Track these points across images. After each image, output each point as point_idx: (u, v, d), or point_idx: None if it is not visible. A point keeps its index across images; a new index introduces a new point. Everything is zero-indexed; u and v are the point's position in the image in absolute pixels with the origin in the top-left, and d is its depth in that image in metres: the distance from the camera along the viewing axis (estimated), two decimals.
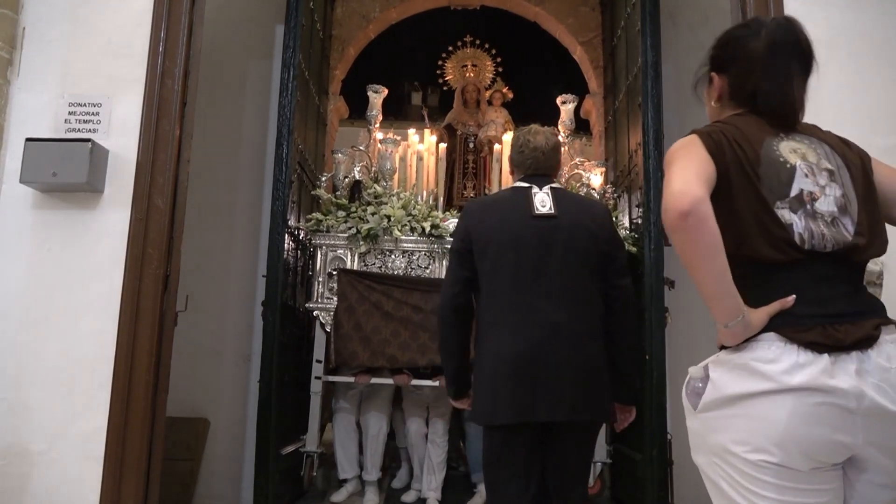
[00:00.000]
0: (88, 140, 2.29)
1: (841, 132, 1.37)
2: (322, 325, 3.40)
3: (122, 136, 2.40)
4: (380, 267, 3.47)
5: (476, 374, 1.99)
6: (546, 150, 2.11)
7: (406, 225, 3.46)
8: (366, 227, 3.40)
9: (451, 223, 3.42)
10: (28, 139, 2.29)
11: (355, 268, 3.44)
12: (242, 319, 3.68)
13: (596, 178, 3.91)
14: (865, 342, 1.12)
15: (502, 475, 1.93)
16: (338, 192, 3.68)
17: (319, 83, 4.20)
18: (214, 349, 3.65)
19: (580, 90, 4.63)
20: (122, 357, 2.27)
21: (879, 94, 2.43)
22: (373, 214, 3.45)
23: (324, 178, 3.87)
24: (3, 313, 2.30)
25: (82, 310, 2.31)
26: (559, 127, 4.04)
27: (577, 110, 4.30)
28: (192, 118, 2.52)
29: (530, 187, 2.06)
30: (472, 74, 5.12)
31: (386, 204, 3.52)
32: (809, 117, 1.40)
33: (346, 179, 3.74)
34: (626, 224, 3.61)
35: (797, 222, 1.20)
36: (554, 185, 2.09)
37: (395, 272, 3.45)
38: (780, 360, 1.12)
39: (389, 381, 3.42)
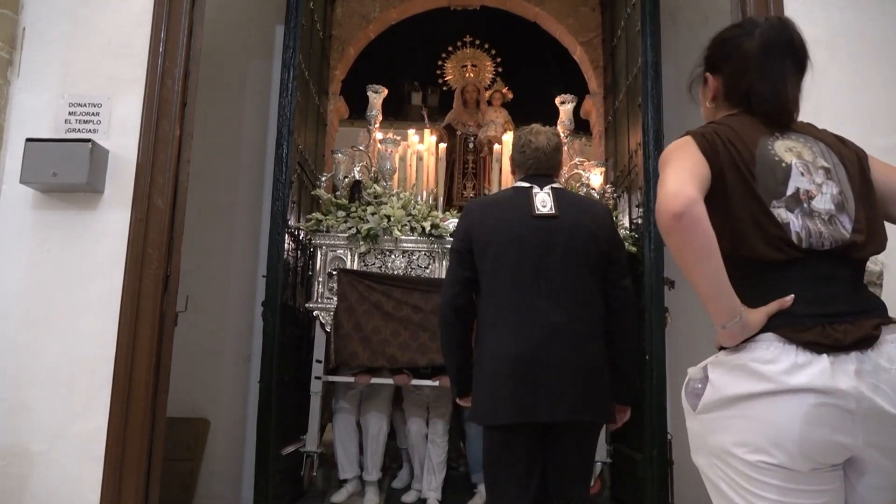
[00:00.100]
0: (88, 140, 2.29)
1: (841, 132, 1.37)
2: (322, 325, 3.40)
3: (122, 136, 2.40)
4: (380, 267, 3.47)
5: (476, 374, 1.99)
6: (548, 150, 2.11)
7: (406, 225, 3.46)
8: (366, 227, 3.40)
9: (451, 223, 3.42)
10: (28, 139, 2.29)
11: (355, 268, 3.44)
12: (242, 320, 3.68)
13: (596, 178, 3.91)
14: (865, 342, 1.11)
15: (502, 475, 1.93)
16: (338, 192, 3.68)
17: (319, 83, 4.20)
18: (214, 349, 3.65)
19: (580, 90, 4.63)
20: (123, 357, 2.27)
21: (879, 94, 2.43)
22: (373, 214, 3.45)
23: (324, 178, 3.87)
24: (3, 313, 2.30)
25: (82, 310, 2.31)
26: (559, 127, 4.04)
27: (576, 110, 4.30)
28: (192, 118, 2.52)
29: (531, 187, 2.06)
30: (471, 75, 5.13)
31: (386, 204, 3.52)
32: (809, 117, 1.40)
33: (346, 179, 3.74)
34: (626, 224, 3.61)
35: (794, 221, 1.20)
36: (555, 185, 2.09)
37: (395, 272, 3.45)
38: (778, 361, 1.12)
39: (389, 381, 3.42)
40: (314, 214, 3.50)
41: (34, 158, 2.27)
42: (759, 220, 1.21)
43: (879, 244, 1.24)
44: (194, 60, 2.53)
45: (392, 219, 3.43)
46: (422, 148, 4.07)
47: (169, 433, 2.55)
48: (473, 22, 5.35)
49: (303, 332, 3.67)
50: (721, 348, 1.21)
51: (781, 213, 1.21)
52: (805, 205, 1.22)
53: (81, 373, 2.27)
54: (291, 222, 3.43)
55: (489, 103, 5.14)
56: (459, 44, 5.15)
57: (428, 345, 3.25)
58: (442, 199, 4.00)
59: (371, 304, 3.31)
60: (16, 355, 2.28)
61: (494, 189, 4.02)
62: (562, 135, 3.96)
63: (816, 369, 1.09)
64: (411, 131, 4.26)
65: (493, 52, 5.12)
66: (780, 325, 1.15)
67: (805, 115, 1.39)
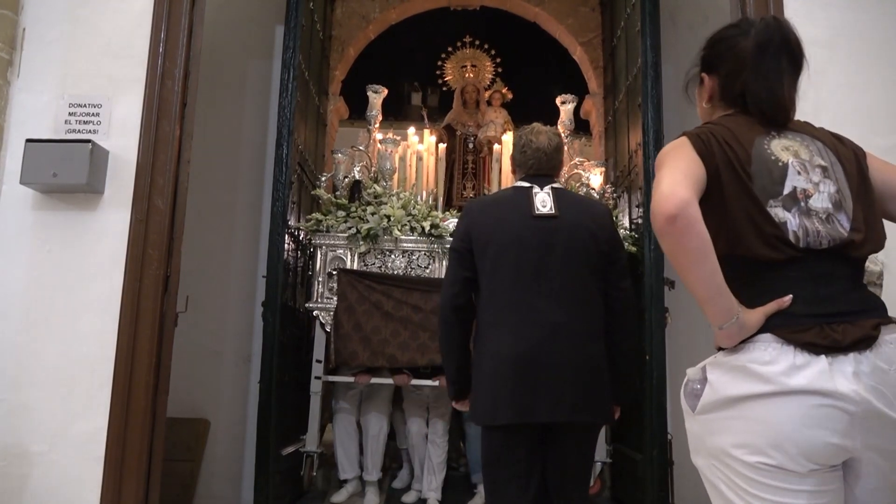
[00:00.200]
0: (88, 141, 2.29)
1: (841, 132, 1.36)
2: (322, 325, 3.40)
3: (122, 136, 2.40)
4: (380, 267, 3.47)
5: (475, 375, 1.99)
6: (548, 150, 2.11)
7: (406, 225, 3.46)
8: (366, 227, 3.40)
9: (451, 223, 3.42)
10: (28, 140, 2.29)
11: (355, 268, 3.44)
12: (242, 320, 3.68)
13: (596, 178, 3.91)
14: (864, 343, 1.11)
15: (502, 476, 1.92)
16: (338, 192, 3.68)
17: (319, 84, 4.20)
18: (214, 350, 3.65)
19: (580, 90, 4.63)
20: (123, 358, 2.27)
21: (879, 94, 2.43)
22: (373, 214, 3.45)
23: (324, 179, 3.87)
24: (3, 314, 2.30)
25: (82, 310, 2.31)
26: (559, 127, 4.04)
27: (576, 110, 4.31)
28: (192, 119, 2.52)
29: (531, 187, 2.06)
30: (471, 75, 5.13)
31: (386, 204, 3.52)
32: (809, 117, 1.40)
33: (346, 179, 3.74)
34: (626, 224, 3.61)
35: (791, 220, 1.20)
36: (555, 185, 2.09)
37: (395, 272, 3.45)
38: (777, 362, 1.11)
39: (389, 381, 3.42)
40: (314, 214, 3.50)
41: (34, 159, 2.27)
42: (755, 219, 1.20)
43: (878, 242, 1.24)
44: (194, 60, 2.53)
45: (392, 219, 3.43)
46: (422, 148, 4.07)
47: (169, 433, 2.55)
48: (473, 22, 5.35)
49: (303, 332, 3.67)
50: (720, 349, 1.21)
51: (778, 213, 1.20)
52: (802, 204, 1.21)
53: (81, 373, 2.27)
54: (291, 222, 3.43)
55: (489, 103, 5.14)
56: (459, 44, 5.15)
57: (428, 345, 3.25)
58: (442, 199, 4.00)
59: (371, 303, 3.31)
60: (16, 356, 2.28)
61: (494, 189, 4.02)
62: (562, 135, 3.96)
63: (815, 370, 1.09)
64: (411, 131, 4.26)
65: (493, 52, 5.12)
66: (779, 326, 1.14)
67: (805, 114, 1.39)
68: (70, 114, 2.40)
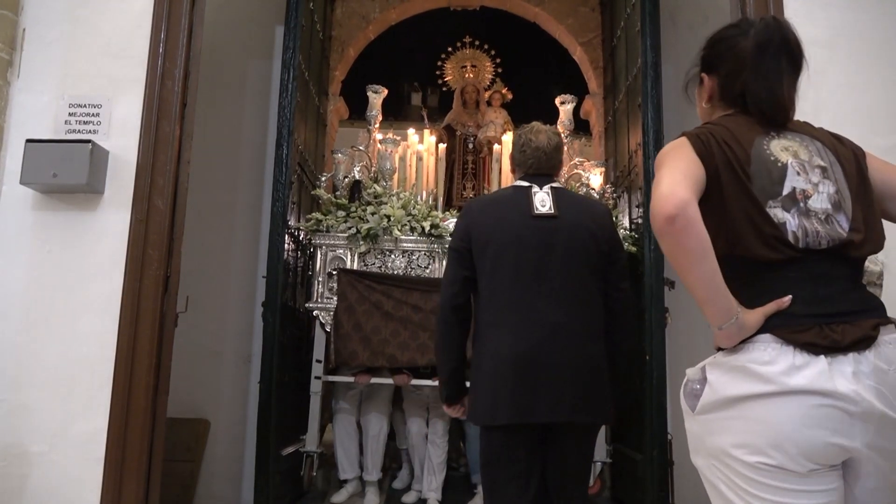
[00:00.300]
0: (89, 141, 2.29)
1: (841, 132, 1.36)
2: (322, 325, 3.40)
3: (122, 137, 2.40)
4: (380, 267, 3.47)
5: (475, 375, 1.98)
6: (548, 150, 2.10)
7: (406, 225, 3.46)
8: (366, 226, 3.41)
9: (451, 223, 3.43)
10: (28, 140, 2.29)
11: (355, 268, 3.44)
12: (242, 320, 3.68)
13: (596, 178, 3.91)
14: (863, 343, 1.11)
15: (502, 476, 1.92)
16: (338, 192, 3.68)
17: (319, 84, 4.20)
18: (214, 350, 3.65)
19: (580, 90, 4.64)
20: (123, 358, 2.27)
21: (879, 94, 2.43)
22: (373, 214, 3.45)
23: (324, 179, 3.87)
24: (3, 314, 2.30)
25: (82, 311, 2.31)
26: (559, 127, 4.04)
27: (576, 110, 4.31)
28: (192, 119, 2.52)
29: (530, 186, 2.05)
30: (471, 75, 5.13)
31: (386, 204, 3.52)
32: (809, 117, 1.40)
33: (346, 179, 3.74)
34: (626, 224, 3.61)
35: (790, 220, 1.20)
36: (554, 184, 2.08)
37: (395, 272, 3.45)
38: (776, 362, 1.11)
39: (389, 381, 3.42)
40: (314, 214, 3.50)
41: (34, 159, 2.27)
42: (754, 220, 1.20)
43: (877, 242, 1.24)
44: (194, 61, 2.53)
45: (392, 219, 3.43)
46: (421, 148, 4.08)
47: (169, 434, 2.55)
48: (473, 22, 5.35)
49: (303, 333, 3.67)
50: (719, 349, 1.21)
51: (777, 213, 1.20)
52: (801, 204, 1.21)
53: (81, 373, 2.27)
54: (291, 222, 3.43)
55: (489, 104, 5.14)
56: (459, 44, 5.16)
57: (428, 344, 3.25)
58: (442, 199, 4.00)
59: (371, 303, 3.31)
60: (16, 356, 2.28)
61: (494, 189, 4.02)
62: (562, 134, 3.96)
63: (815, 371, 1.09)
64: (411, 131, 4.27)
65: (493, 52, 5.12)
66: (778, 326, 1.15)
67: (805, 115, 1.39)
68: (70, 114, 2.40)
